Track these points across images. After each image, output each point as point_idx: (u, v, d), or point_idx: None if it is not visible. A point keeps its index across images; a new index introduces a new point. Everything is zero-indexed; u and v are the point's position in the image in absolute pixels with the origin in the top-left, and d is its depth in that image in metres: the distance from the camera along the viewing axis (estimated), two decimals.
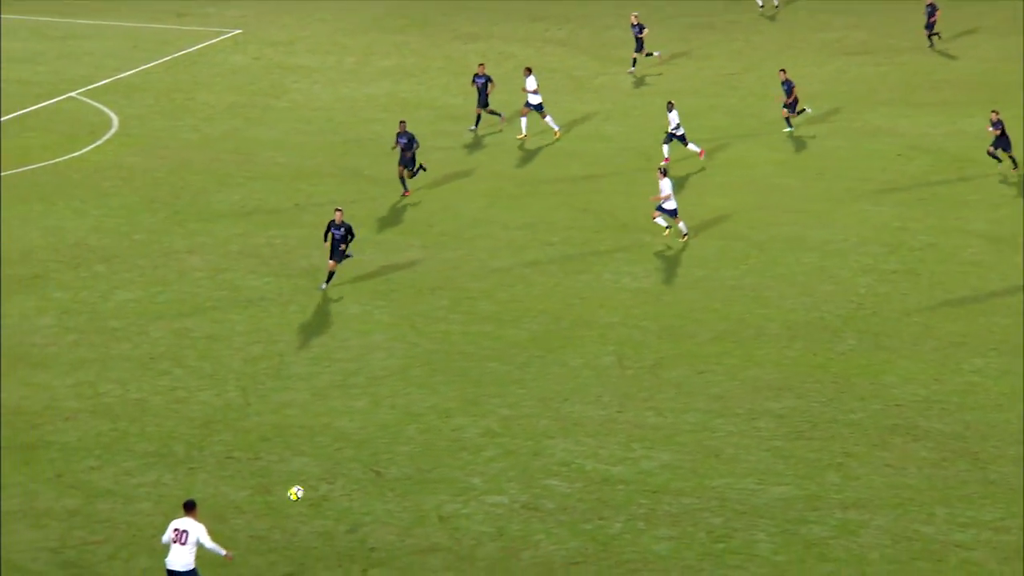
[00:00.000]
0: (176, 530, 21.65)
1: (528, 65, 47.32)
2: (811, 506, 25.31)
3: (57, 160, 43.70)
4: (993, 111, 42.29)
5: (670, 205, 37.40)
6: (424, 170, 41.50)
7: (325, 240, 34.54)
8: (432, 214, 40.30)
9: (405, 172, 41.00)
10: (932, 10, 54.51)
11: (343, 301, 34.27)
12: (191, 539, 21.58)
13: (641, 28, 52.81)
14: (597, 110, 49.81)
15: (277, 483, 25.83)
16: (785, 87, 46.46)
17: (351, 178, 43.42)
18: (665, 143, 43.69)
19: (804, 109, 47.22)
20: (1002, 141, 42.03)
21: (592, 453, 27.28)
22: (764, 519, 24.92)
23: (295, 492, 23.14)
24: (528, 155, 45.51)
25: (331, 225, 34.46)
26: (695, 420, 28.50)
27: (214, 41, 60.86)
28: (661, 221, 37.79)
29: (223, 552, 21.99)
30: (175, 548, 21.62)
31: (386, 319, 33.33)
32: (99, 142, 45.91)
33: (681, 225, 37.62)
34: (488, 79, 46.55)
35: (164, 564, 21.70)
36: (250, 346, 31.55)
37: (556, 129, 46.51)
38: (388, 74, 54.15)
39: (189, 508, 21.93)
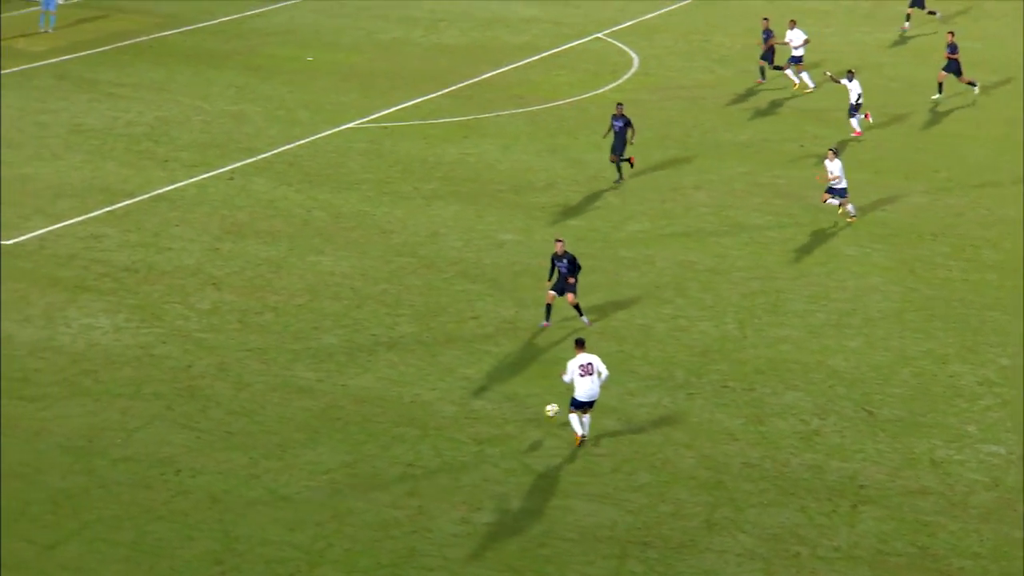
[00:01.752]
0: (582, 365, 23.47)
1: (792, 18, 44.47)
2: None
3: (581, 97, 44.56)
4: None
5: (839, 184, 33.57)
6: (631, 165, 36.52)
7: (550, 278, 28.40)
8: (937, 159, 38.31)
9: (617, 158, 36.08)
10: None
11: (841, 242, 33.14)
12: (596, 367, 23.53)
13: None
14: None
15: (770, 414, 25.31)
16: (949, 49, 41.72)
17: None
18: (852, 116, 39.75)
19: (972, 83, 42.17)
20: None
21: None
22: None
23: (549, 410, 23.87)
24: None
25: (554, 258, 28.29)
26: None
27: None
28: (833, 201, 33.94)
29: (603, 380, 23.68)
30: (585, 380, 23.44)
31: (884, 262, 31.97)
32: (619, 81, 46.45)
33: (850, 207, 33.90)
34: (769, 33, 43.84)
35: (578, 397, 23.47)
36: (749, 281, 31.05)
37: (809, 86, 43.68)
38: (902, 19, 51.85)
39: (582, 344, 23.84)
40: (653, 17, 55.06)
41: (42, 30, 49.73)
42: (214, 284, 30.23)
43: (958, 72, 42.61)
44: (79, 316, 28.43)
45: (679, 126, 41.75)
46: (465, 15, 54.67)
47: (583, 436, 23.95)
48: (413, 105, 43.38)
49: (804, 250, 32.70)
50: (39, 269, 30.65)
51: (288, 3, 56.27)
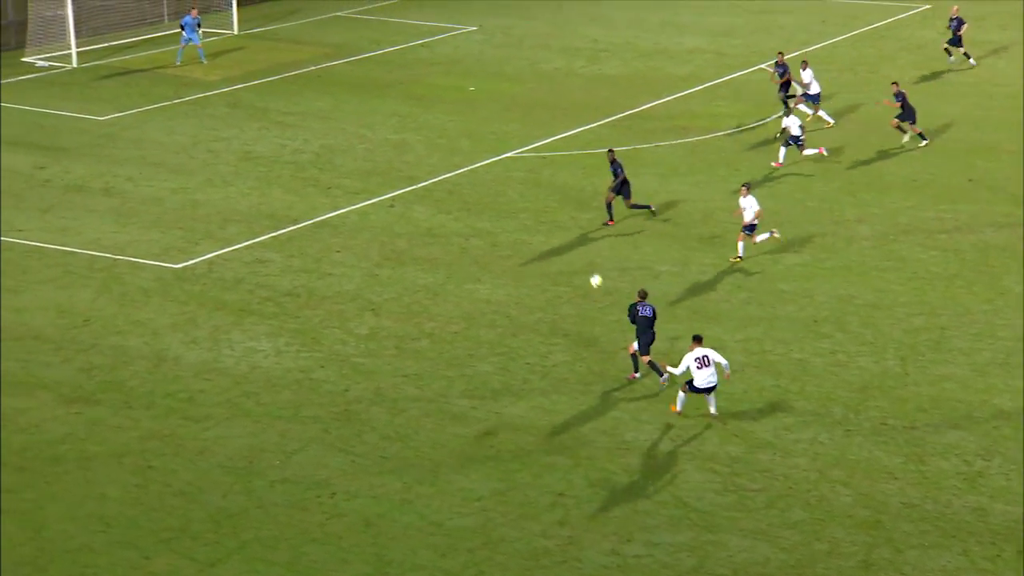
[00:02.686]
0: (698, 358, 25.18)
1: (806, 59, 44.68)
2: None
3: (742, 128, 44.21)
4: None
5: (750, 220, 32.81)
6: (653, 212, 35.52)
7: (632, 320, 26.96)
8: None
9: (614, 199, 35.07)
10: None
11: (1009, 280, 32.23)
12: (712, 361, 25.23)
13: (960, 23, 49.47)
14: None
15: (932, 454, 24.69)
16: (898, 98, 40.81)
17: None
18: (794, 146, 39.20)
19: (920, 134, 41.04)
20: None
21: None
22: None
23: (594, 281, 26.32)
24: None
25: (632, 308, 26.95)
26: None
27: (902, 16, 59.40)
28: (752, 240, 33.20)
29: (727, 370, 25.53)
30: (703, 371, 25.19)
31: None
32: (781, 112, 45.95)
33: (759, 237, 33.10)
34: (784, 68, 43.58)
35: (696, 384, 25.28)
36: (912, 317, 30.39)
37: (831, 122, 43.24)
38: None
39: (700, 339, 25.47)
40: (819, 48, 54.41)
41: (178, 63, 51.12)
42: (372, 310, 30.68)
43: (913, 119, 41.64)
44: (243, 339, 29.10)
45: (843, 158, 41.13)
46: (628, 46, 54.68)
47: (679, 412, 25.81)
48: (573, 135, 43.54)
49: (970, 286, 31.91)
50: (207, 292, 31.47)
51: (452, 34, 57.01)
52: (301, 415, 26.05)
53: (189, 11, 52.01)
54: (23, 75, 49.77)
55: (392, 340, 29.21)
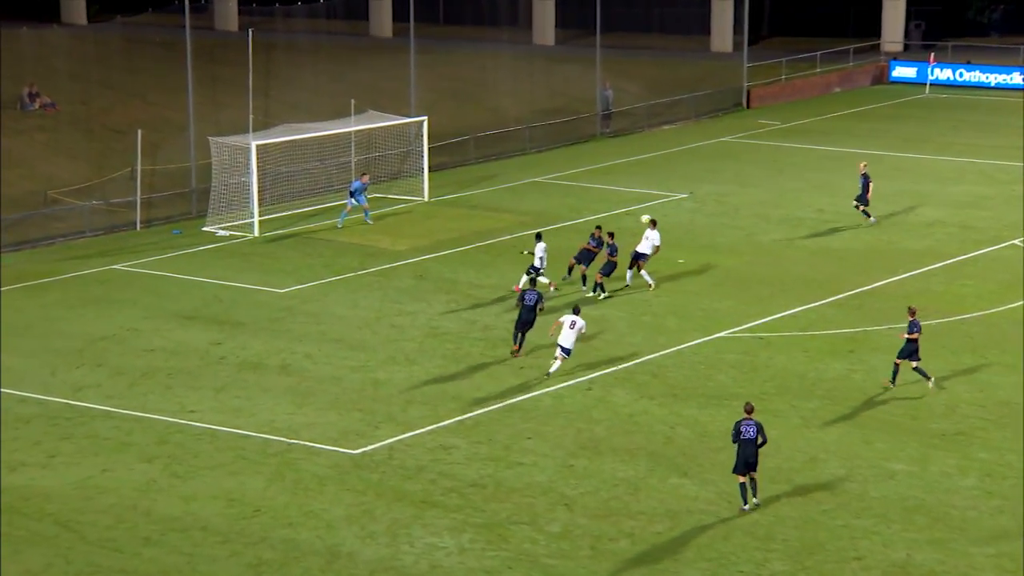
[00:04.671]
0: None
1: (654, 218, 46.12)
2: None
3: (991, 311, 43.21)
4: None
5: (566, 342, 36.46)
6: (516, 350, 38.91)
7: (735, 439, 29.81)
8: None
9: (521, 333, 39.17)
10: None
11: None
12: None
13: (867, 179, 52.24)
14: None
15: None
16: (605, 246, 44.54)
17: None
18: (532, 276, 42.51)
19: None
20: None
21: None
22: None
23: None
24: None
25: (736, 426, 30.14)
26: None
27: None
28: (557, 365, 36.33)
29: None
30: None
31: None
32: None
33: (554, 368, 36.62)
34: (599, 242, 45.52)
35: None
36: None
37: (650, 283, 45.13)
38: None
39: None
40: None
41: (338, 226, 53.01)
42: (566, 505, 30.46)
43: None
44: (423, 534, 29.11)
45: None
46: (858, 216, 54.28)
47: None
48: (794, 314, 43.12)
49: None
50: (386, 481, 31.68)
51: (660, 201, 57.41)
52: None
53: (360, 176, 54.02)
54: (203, 245, 51.69)
55: (587, 540, 28.88)
